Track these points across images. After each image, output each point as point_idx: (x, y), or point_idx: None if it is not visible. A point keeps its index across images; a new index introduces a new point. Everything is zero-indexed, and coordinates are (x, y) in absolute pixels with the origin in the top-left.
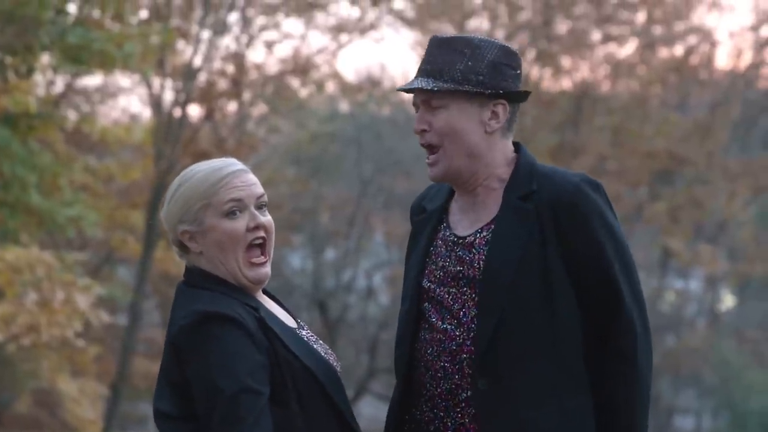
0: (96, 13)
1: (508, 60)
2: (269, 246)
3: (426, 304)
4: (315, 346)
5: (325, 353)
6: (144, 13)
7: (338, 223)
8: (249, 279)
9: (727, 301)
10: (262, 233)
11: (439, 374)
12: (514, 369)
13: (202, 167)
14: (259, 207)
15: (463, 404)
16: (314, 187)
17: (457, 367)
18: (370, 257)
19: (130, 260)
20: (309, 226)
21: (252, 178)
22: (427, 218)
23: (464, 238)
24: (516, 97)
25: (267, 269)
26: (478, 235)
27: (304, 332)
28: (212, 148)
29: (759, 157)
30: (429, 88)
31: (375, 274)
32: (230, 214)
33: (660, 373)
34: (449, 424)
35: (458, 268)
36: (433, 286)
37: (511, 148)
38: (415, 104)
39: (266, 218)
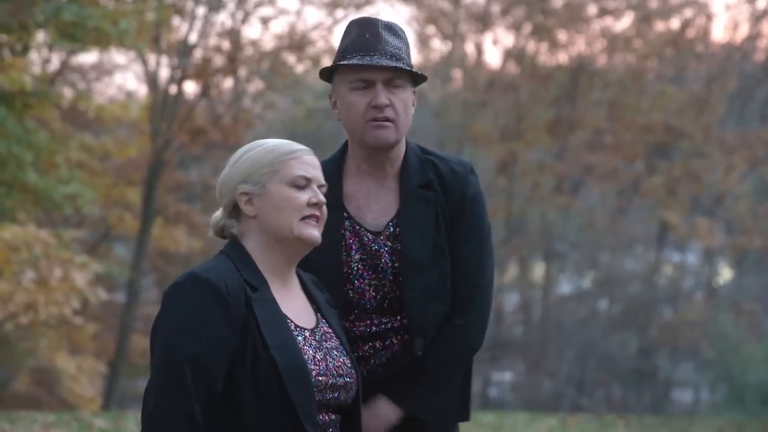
0: None
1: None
2: (320, 227)
3: (349, 291)
4: (329, 343)
5: (322, 358)
6: None
7: None
8: (301, 237)
9: (725, 274)
10: (318, 212)
11: (368, 353)
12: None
13: (273, 140)
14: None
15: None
16: None
17: (387, 343)
18: None
19: (128, 237)
20: None
21: (318, 161)
22: (329, 202)
23: (378, 233)
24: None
25: (318, 232)
26: (390, 230)
27: (320, 329)
28: (208, 125)
29: (756, 129)
30: (409, 68)
31: None
32: (296, 185)
33: (658, 346)
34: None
35: (377, 262)
36: (351, 277)
37: None
38: (365, 80)
39: (325, 200)
